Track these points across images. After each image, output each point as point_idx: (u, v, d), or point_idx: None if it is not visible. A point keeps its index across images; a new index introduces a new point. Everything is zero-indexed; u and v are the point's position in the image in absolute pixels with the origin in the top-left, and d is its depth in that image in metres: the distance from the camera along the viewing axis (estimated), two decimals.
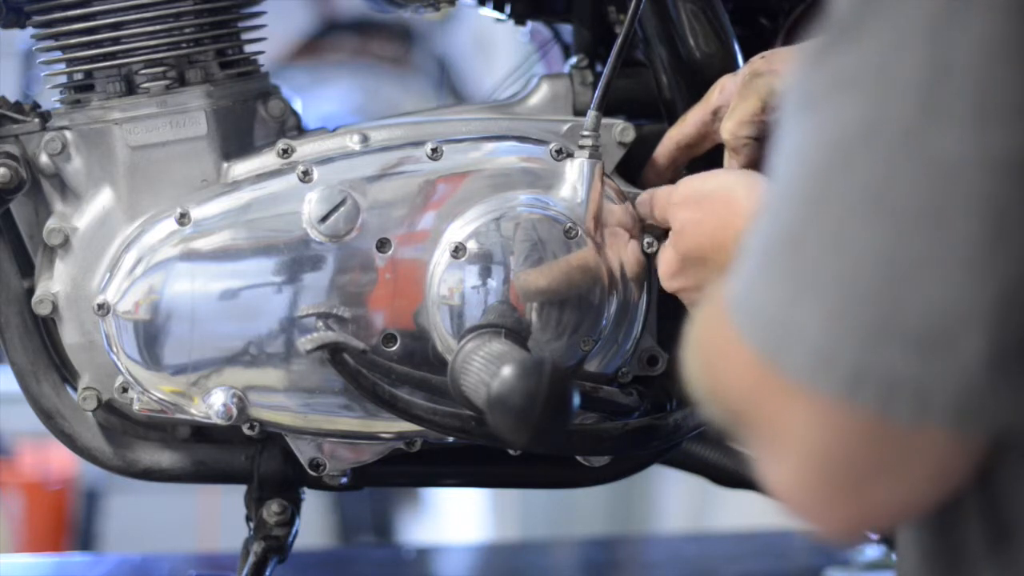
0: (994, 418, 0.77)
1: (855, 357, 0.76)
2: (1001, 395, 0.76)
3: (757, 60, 1.30)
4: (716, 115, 1.33)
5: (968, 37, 0.75)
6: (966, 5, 0.75)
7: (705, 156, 1.36)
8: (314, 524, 3.63)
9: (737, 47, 1.40)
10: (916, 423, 0.76)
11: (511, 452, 1.41)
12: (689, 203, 1.27)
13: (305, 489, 1.46)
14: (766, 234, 0.81)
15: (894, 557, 1.32)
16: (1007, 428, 0.78)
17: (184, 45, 1.37)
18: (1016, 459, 0.81)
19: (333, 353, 1.30)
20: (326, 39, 4.30)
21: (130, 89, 1.37)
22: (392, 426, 1.36)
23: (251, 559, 1.42)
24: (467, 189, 1.34)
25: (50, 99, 1.41)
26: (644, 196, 1.34)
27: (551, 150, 1.36)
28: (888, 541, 1.68)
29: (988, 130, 0.74)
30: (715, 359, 0.85)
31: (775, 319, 0.79)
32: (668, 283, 1.30)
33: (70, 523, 3.83)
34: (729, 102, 1.31)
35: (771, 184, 0.82)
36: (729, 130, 1.29)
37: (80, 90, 1.39)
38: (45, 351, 1.41)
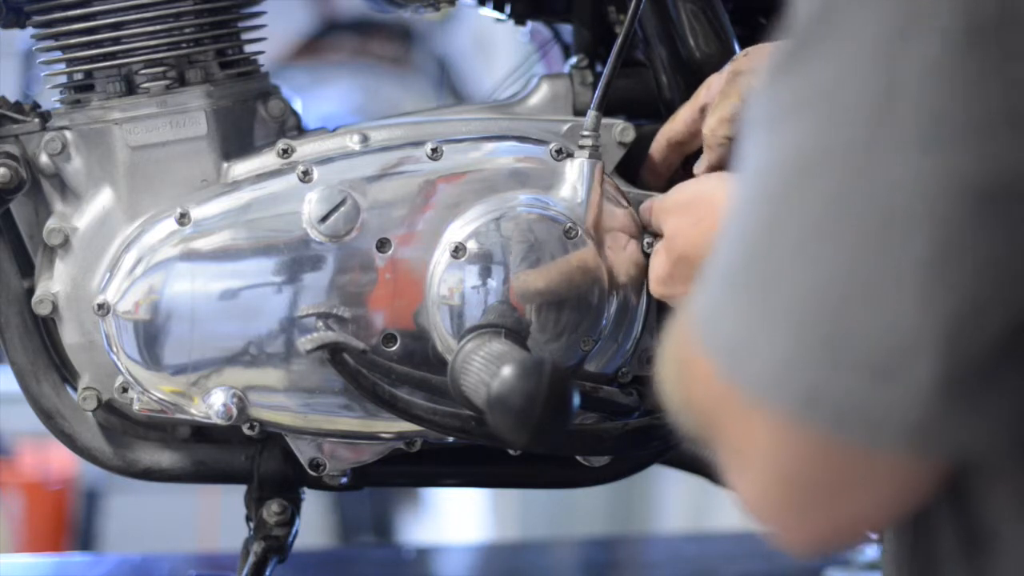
0: (951, 442, 0.76)
1: (809, 377, 0.76)
2: (956, 419, 0.75)
3: (740, 57, 1.30)
4: (704, 112, 1.33)
5: (917, 61, 0.74)
6: (915, 29, 0.74)
7: (700, 153, 1.36)
8: (314, 524, 3.63)
9: (737, 47, 1.40)
10: (870, 446, 0.76)
11: (511, 452, 1.41)
12: (679, 208, 1.27)
13: (305, 489, 1.45)
14: (729, 249, 0.81)
15: None
16: (966, 450, 0.77)
17: (184, 45, 1.37)
18: (986, 469, 0.81)
19: (333, 353, 1.30)
20: (326, 39, 4.30)
21: (130, 89, 1.37)
22: (392, 426, 1.36)
23: (251, 559, 1.42)
24: (467, 189, 1.34)
25: (50, 99, 1.40)
26: (645, 204, 1.35)
27: (551, 150, 1.36)
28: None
29: (936, 154, 0.74)
30: (684, 371, 0.86)
31: (734, 335, 0.79)
32: (658, 288, 1.30)
33: (70, 523, 3.83)
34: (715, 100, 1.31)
35: (734, 200, 0.82)
36: (709, 127, 1.29)
37: (80, 90, 1.39)
38: (45, 351, 1.41)
